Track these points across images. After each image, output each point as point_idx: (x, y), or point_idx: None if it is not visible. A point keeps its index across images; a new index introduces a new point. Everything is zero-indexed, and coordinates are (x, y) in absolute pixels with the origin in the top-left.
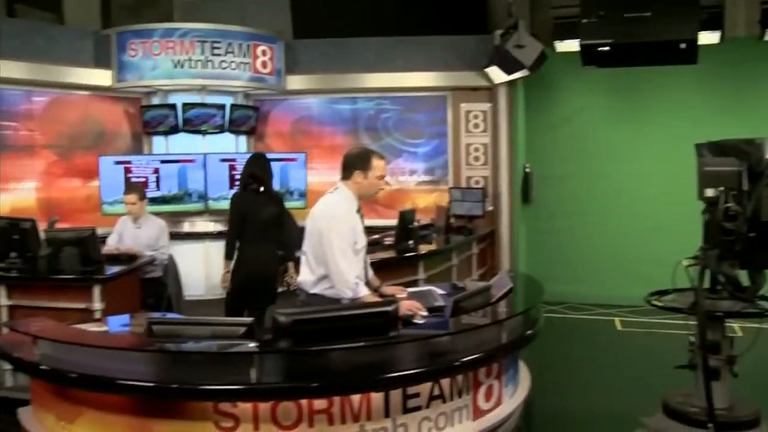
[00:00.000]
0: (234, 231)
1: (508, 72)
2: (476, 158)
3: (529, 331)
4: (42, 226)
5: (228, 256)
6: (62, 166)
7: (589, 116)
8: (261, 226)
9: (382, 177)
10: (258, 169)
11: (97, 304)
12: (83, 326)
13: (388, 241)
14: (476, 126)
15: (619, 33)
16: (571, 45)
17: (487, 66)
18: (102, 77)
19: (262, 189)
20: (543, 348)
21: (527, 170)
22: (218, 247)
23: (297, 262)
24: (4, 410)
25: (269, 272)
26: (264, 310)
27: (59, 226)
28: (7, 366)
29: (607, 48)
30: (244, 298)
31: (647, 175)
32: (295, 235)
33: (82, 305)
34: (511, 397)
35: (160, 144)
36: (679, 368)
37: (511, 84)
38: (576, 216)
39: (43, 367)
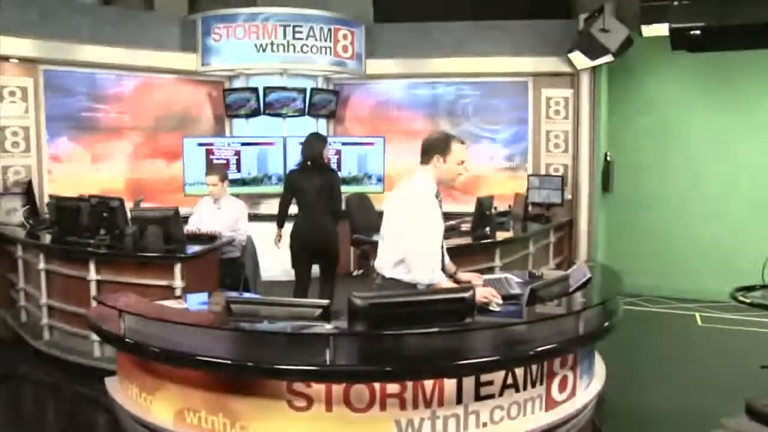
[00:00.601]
0: (283, 202)
1: (592, 57)
2: (556, 145)
3: (607, 323)
4: (128, 205)
5: (278, 224)
6: (148, 147)
7: (676, 104)
8: (309, 197)
9: (462, 162)
10: (304, 146)
11: (178, 282)
12: (165, 302)
13: (465, 227)
14: (557, 112)
15: (713, 15)
16: (659, 29)
17: (571, 51)
18: (187, 61)
19: (309, 164)
20: (619, 341)
21: (609, 159)
22: None
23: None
24: (92, 379)
25: (320, 235)
26: (329, 266)
27: (144, 205)
28: (95, 337)
29: (698, 31)
30: (304, 260)
31: (735, 167)
32: (338, 207)
33: (164, 282)
34: (586, 389)
35: (241, 127)
36: (766, 368)
37: (594, 70)
38: (657, 207)
39: (128, 340)
